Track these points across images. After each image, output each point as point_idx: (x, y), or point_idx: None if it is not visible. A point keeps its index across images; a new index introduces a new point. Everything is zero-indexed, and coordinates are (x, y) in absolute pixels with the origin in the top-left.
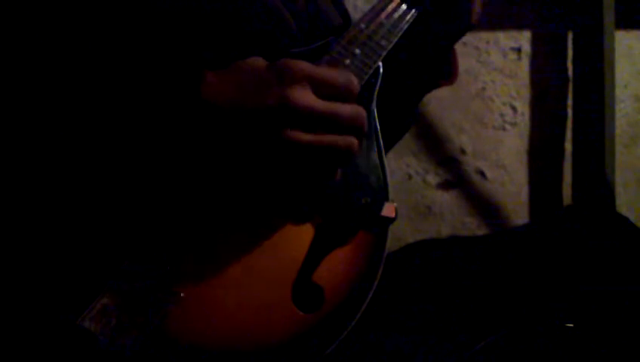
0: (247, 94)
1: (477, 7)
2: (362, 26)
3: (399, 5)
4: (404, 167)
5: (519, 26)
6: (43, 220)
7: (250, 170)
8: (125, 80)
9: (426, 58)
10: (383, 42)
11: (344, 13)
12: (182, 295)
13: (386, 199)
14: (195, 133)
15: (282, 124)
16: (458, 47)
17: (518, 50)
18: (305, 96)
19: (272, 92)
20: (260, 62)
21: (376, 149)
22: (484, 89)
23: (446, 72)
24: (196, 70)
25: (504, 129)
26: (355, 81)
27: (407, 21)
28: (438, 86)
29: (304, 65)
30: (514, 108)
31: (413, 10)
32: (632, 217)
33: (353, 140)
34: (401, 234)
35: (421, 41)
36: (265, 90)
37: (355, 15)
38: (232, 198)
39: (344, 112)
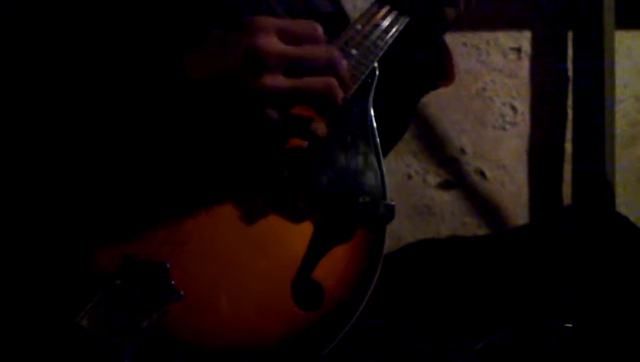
0: (221, 56)
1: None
2: (359, 26)
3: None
4: (404, 167)
5: (519, 26)
6: (41, 218)
7: (238, 139)
8: (111, 69)
9: (419, 59)
10: (379, 43)
11: (341, 13)
12: (181, 293)
13: (384, 198)
14: (185, 112)
15: (255, 72)
16: (458, 47)
17: (518, 50)
18: (273, 43)
19: (241, 45)
20: (227, 28)
21: (373, 148)
22: (484, 89)
23: (441, 73)
24: (177, 52)
25: (504, 129)
26: (318, 27)
27: (402, 22)
28: (434, 87)
29: (268, 18)
30: (514, 108)
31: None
32: (632, 217)
33: (331, 80)
34: (401, 234)
35: (412, 43)
36: (233, 46)
37: (355, 15)
38: (232, 195)
39: (314, 53)
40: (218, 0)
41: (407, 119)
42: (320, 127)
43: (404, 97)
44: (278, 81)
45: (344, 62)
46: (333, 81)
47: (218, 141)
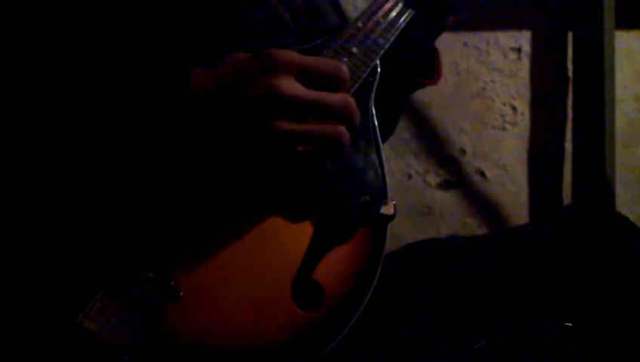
0: (233, 85)
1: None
2: (360, 24)
3: (396, 3)
4: (404, 167)
5: (519, 26)
6: (42, 219)
7: (241, 160)
8: (117, 76)
9: (409, 57)
10: (381, 40)
11: (341, 12)
12: (181, 293)
13: (385, 197)
14: (186, 127)
15: (267, 113)
16: (458, 47)
17: (518, 50)
18: (290, 85)
19: (257, 81)
20: (245, 54)
21: (375, 147)
22: (484, 89)
23: (429, 72)
24: (183, 65)
25: (504, 129)
26: (344, 70)
27: (405, 19)
28: (420, 86)
29: (290, 54)
30: (514, 108)
31: (410, 9)
32: (632, 217)
33: (341, 129)
34: (401, 233)
35: (406, 40)
36: (250, 79)
37: (355, 15)
38: (230, 196)
39: (331, 101)
40: (231, 12)
41: (394, 118)
42: None
43: (390, 96)
44: (289, 125)
45: (359, 115)
46: (344, 131)
47: (218, 149)
